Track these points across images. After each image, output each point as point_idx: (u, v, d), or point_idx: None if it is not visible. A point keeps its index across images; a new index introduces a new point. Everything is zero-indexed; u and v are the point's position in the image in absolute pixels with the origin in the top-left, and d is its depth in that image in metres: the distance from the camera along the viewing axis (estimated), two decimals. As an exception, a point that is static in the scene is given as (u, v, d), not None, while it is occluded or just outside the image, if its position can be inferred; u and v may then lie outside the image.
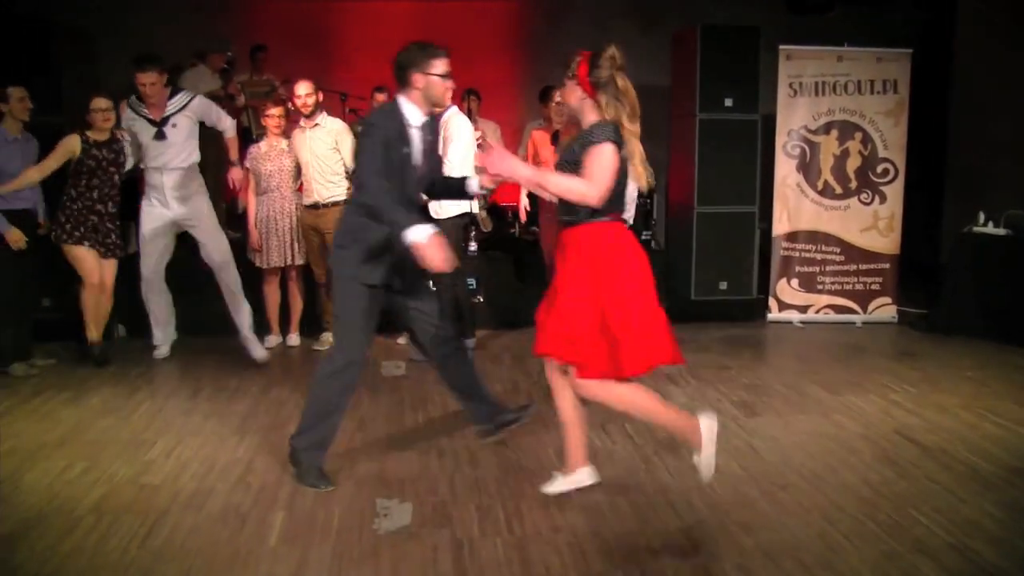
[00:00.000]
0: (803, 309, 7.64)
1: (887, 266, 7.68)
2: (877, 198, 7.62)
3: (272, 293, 6.78)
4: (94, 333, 6.21)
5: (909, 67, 7.56)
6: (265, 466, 4.33)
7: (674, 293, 7.80)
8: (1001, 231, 6.98)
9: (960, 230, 7.33)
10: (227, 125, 6.37)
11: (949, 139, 8.33)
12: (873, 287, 7.67)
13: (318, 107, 6.44)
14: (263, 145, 6.61)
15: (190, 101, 6.13)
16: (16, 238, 5.86)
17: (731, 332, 7.28)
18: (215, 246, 6.26)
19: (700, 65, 7.45)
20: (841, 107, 7.53)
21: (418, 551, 3.43)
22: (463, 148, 6.16)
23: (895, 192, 7.62)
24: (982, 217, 7.14)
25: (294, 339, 6.89)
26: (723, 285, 7.71)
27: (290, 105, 6.60)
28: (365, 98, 8.22)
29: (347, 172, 6.46)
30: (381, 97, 8.16)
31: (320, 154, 6.42)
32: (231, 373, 6.06)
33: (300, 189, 6.61)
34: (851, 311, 7.64)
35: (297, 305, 6.88)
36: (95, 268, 6.03)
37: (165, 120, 6.04)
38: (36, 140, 6.15)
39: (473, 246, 7.60)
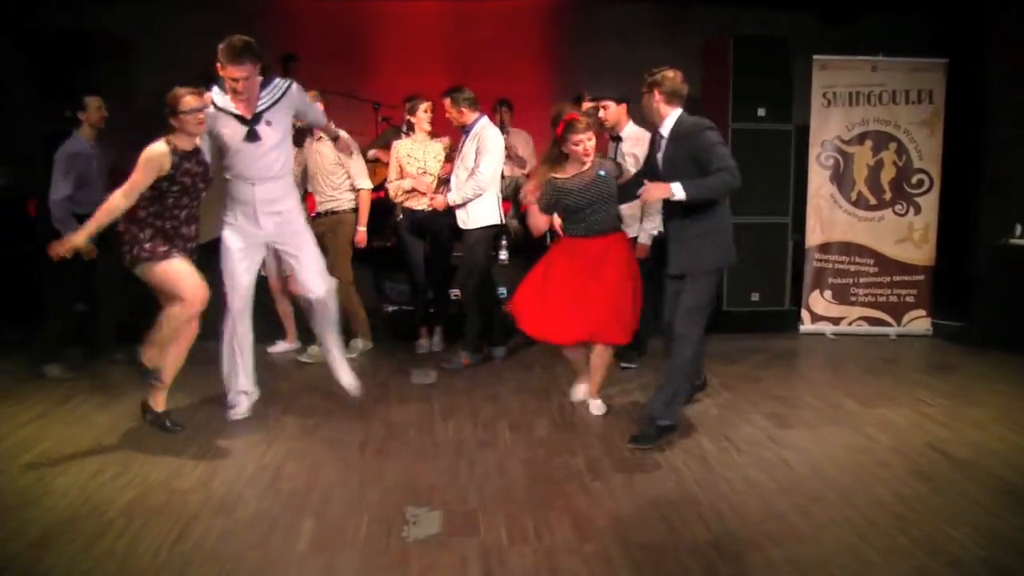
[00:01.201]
0: (836, 321, 7.58)
1: (921, 278, 7.60)
2: (912, 209, 7.54)
3: (281, 301, 6.76)
4: (161, 391, 4.99)
5: (944, 77, 7.48)
6: (294, 472, 4.35)
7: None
8: (1038, 243, 6.89)
9: (996, 242, 7.24)
10: (325, 123, 5.71)
11: (985, 150, 8.22)
12: (907, 299, 7.58)
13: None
14: None
15: (288, 89, 4.99)
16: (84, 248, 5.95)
17: (763, 343, 7.23)
18: (316, 275, 5.15)
19: (733, 75, 7.43)
20: (875, 117, 7.47)
21: (446, 560, 3.43)
22: (496, 160, 6.20)
23: (930, 203, 7.54)
24: (1019, 229, 7.05)
25: (283, 345, 6.88)
26: (755, 296, 7.67)
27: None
28: (398, 106, 8.25)
29: (352, 184, 6.49)
30: (426, 107, 8.10)
31: (325, 166, 6.43)
32: (260, 380, 6.08)
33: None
34: (884, 323, 7.56)
35: (290, 315, 6.83)
36: (199, 284, 4.76)
37: (258, 117, 4.87)
38: (112, 151, 6.29)
39: (503, 255, 7.61)
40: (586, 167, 5.05)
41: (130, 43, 8.10)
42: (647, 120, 5.06)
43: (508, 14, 9.47)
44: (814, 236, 7.57)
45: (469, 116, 6.23)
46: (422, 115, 6.53)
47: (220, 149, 4.95)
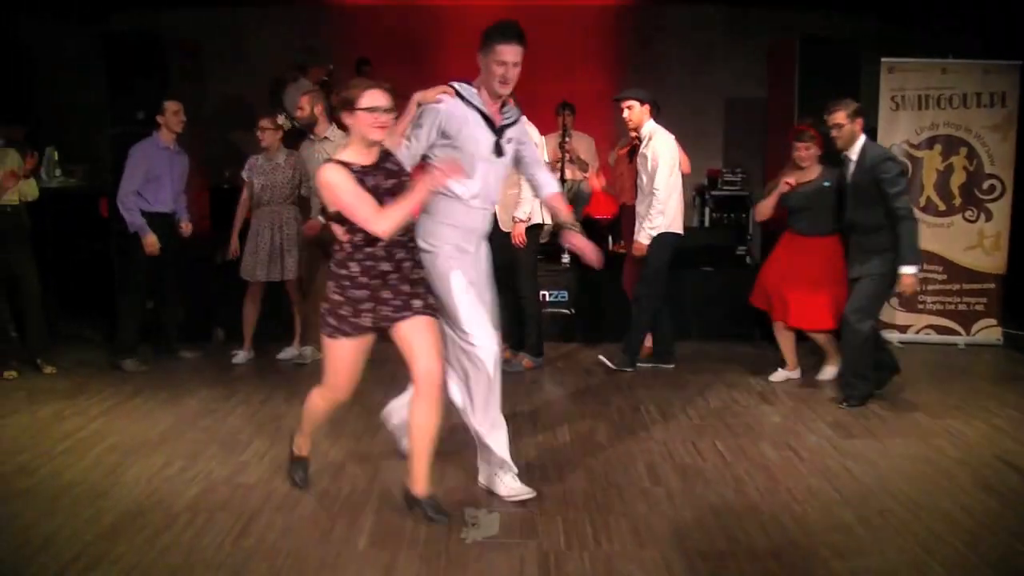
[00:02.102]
0: (903, 329, 7.44)
1: (992, 286, 7.43)
2: (983, 215, 7.38)
3: (252, 308, 6.64)
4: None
5: (1018, 79, 7.31)
6: (355, 471, 4.39)
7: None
8: (1115, 252, 6.70)
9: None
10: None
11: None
12: (977, 307, 7.42)
13: (322, 119, 6.39)
14: (261, 157, 6.53)
15: (519, 118, 4.15)
16: (151, 242, 6.13)
17: (826, 350, 7.12)
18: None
19: (799, 78, 7.34)
20: (945, 121, 7.32)
21: (505, 562, 3.43)
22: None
23: (1002, 209, 7.37)
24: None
25: (291, 351, 6.81)
26: (818, 302, 7.56)
27: (285, 117, 6.61)
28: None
29: None
30: None
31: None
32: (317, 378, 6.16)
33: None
34: (953, 332, 7.40)
35: (299, 317, 6.77)
36: (353, 377, 3.87)
37: (503, 130, 4.00)
38: (187, 157, 6.44)
39: (566, 258, 7.60)
40: (816, 175, 5.94)
41: (201, 48, 8.24)
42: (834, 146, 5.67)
43: (571, 16, 9.46)
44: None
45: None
46: None
47: (449, 155, 3.87)
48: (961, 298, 7.39)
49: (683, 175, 6.34)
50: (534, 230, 6.37)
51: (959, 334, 7.39)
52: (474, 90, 3.95)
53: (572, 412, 5.40)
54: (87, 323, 7.33)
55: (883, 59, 7.40)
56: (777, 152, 7.76)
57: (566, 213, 4.23)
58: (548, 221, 6.45)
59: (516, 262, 6.27)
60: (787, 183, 5.97)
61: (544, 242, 7.31)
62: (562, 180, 6.50)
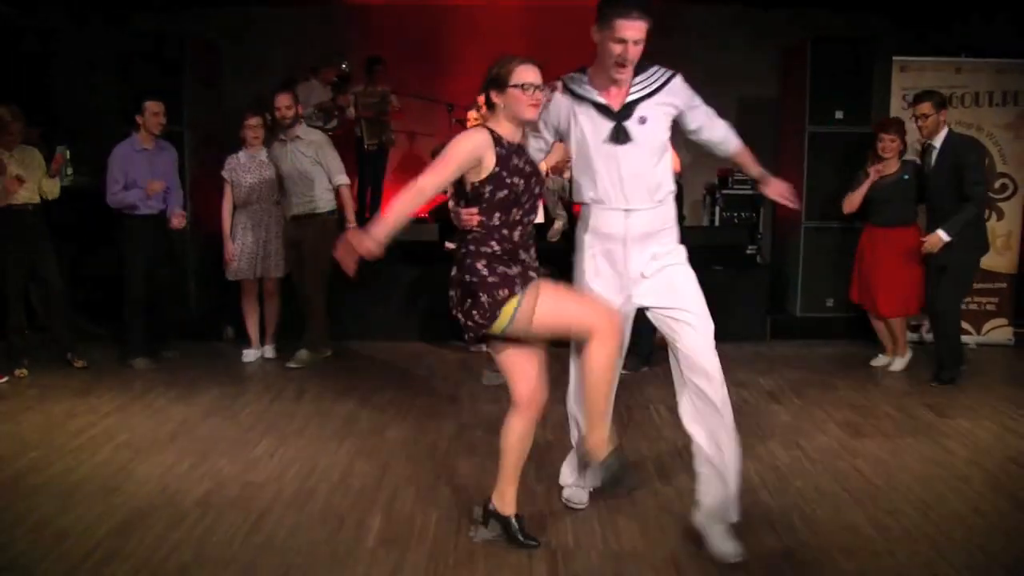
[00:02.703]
0: (914, 328, 7.41)
1: (1004, 286, 7.40)
2: (994, 215, 7.34)
3: (252, 305, 6.67)
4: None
5: (1032, 79, 7.30)
6: (365, 469, 4.40)
7: (779, 309, 7.67)
8: None
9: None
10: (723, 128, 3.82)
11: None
12: (988, 307, 7.39)
13: (298, 119, 6.39)
14: (242, 156, 6.49)
15: (671, 79, 3.56)
16: (153, 187, 6.18)
17: (837, 350, 7.11)
18: (711, 348, 3.54)
19: (811, 78, 7.34)
20: (958, 120, 7.28)
21: (513, 560, 3.43)
22: None
23: (1014, 209, 7.34)
24: (1106, 237, 6.84)
25: (270, 351, 6.77)
26: (830, 302, 7.55)
27: (267, 115, 6.52)
28: (472, 108, 8.30)
29: (331, 184, 6.38)
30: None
31: (301, 167, 6.32)
32: (335, 376, 6.19)
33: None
34: (964, 332, 7.35)
35: (274, 317, 6.75)
36: (536, 381, 3.45)
37: (629, 109, 3.45)
38: (174, 149, 6.45)
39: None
40: (896, 168, 6.23)
41: (217, 49, 8.26)
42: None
43: (588, 14, 9.42)
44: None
45: None
46: None
47: (573, 153, 3.56)
48: (972, 298, 7.35)
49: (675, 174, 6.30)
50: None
51: (970, 334, 7.35)
52: (586, 76, 3.50)
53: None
54: (99, 321, 7.35)
55: (895, 58, 7.39)
56: (789, 151, 7.75)
57: (754, 167, 3.82)
58: (541, 220, 6.39)
59: None
60: (875, 171, 6.28)
61: (555, 241, 7.30)
62: (571, 179, 6.46)
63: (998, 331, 7.40)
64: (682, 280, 3.57)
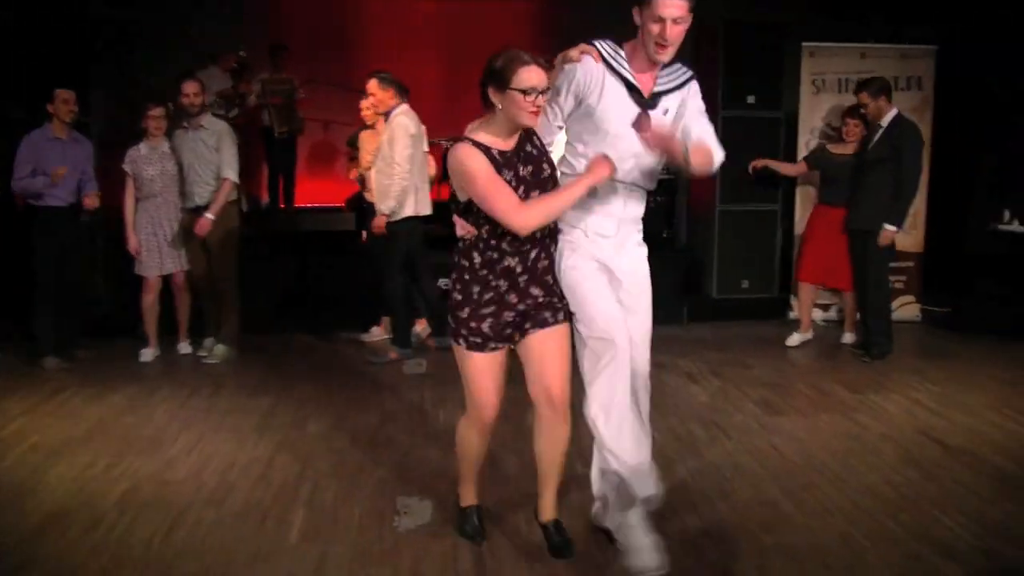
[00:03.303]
0: (825, 307, 7.59)
1: (911, 264, 7.62)
2: (902, 196, 7.54)
3: (153, 304, 6.45)
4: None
5: (934, 64, 7.50)
6: (285, 463, 4.35)
7: (696, 291, 7.79)
8: (1027, 229, 6.93)
9: (985, 228, 7.27)
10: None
11: (974, 136, 8.24)
12: (897, 285, 7.59)
13: (204, 107, 6.32)
14: (143, 147, 6.30)
15: (691, 79, 3.49)
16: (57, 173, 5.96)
17: (753, 330, 7.25)
18: (645, 350, 3.73)
19: (722, 62, 7.44)
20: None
21: (438, 549, 3.43)
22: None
23: (919, 190, 7.53)
24: (1007, 215, 7.07)
25: (185, 347, 6.62)
26: (745, 283, 7.69)
27: (170, 105, 6.41)
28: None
29: (218, 175, 6.26)
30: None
31: (203, 156, 6.23)
32: (252, 370, 6.10)
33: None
34: (874, 309, 7.58)
35: (185, 311, 6.62)
36: (493, 394, 3.39)
37: (655, 99, 3.34)
38: (89, 142, 6.24)
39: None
40: (852, 151, 6.50)
41: (125, 31, 8.03)
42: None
43: (500, 3, 9.44)
44: (803, 223, 7.57)
45: (395, 101, 6.12)
46: None
47: (584, 127, 3.31)
48: (883, 276, 7.56)
49: None
50: (407, 224, 6.20)
51: (881, 312, 7.55)
52: (622, 52, 3.28)
53: (504, 397, 5.38)
54: (10, 320, 7.11)
55: (804, 43, 7.53)
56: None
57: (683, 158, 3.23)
58: (423, 213, 6.30)
59: (380, 252, 6.25)
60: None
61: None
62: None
63: (907, 308, 7.62)
64: (646, 280, 3.63)
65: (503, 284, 3.16)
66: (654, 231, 7.89)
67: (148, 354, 6.42)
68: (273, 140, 8.71)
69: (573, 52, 3.24)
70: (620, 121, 3.24)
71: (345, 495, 3.95)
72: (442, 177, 6.25)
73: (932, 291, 7.76)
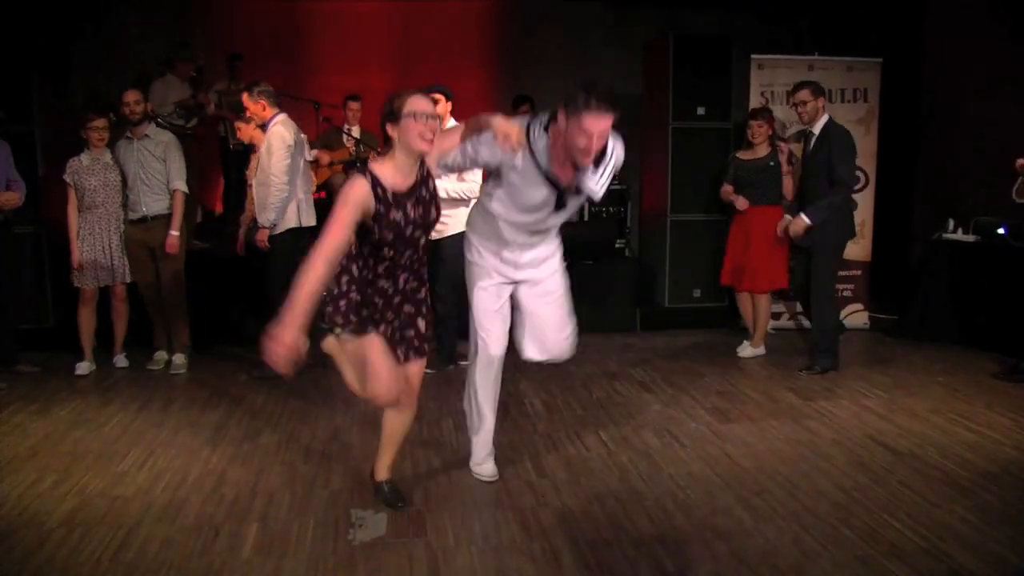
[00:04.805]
0: (776, 316, 7.68)
1: (858, 273, 7.74)
2: (849, 206, 7.67)
3: (89, 316, 6.32)
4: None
5: (879, 76, 7.64)
6: (238, 477, 4.30)
7: (648, 300, 7.84)
8: (971, 237, 7.04)
9: (930, 237, 7.40)
10: None
11: (918, 147, 8.41)
12: (845, 294, 7.72)
13: (146, 116, 6.24)
14: (85, 158, 6.18)
15: (614, 152, 3.71)
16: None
17: (705, 339, 7.31)
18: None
19: (673, 74, 7.51)
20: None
21: (394, 561, 3.41)
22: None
23: (866, 200, 7.68)
24: (952, 224, 7.21)
25: (121, 360, 6.47)
26: (696, 292, 7.75)
27: (112, 115, 6.33)
28: (338, 106, 8.19)
29: (168, 187, 6.21)
30: (355, 106, 8.15)
31: (149, 166, 6.17)
32: (203, 383, 6.02)
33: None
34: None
35: (123, 324, 6.49)
36: (389, 378, 3.57)
37: (574, 185, 3.72)
38: (8, 145, 6.11)
39: None
40: (764, 154, 6.59)
41: (72, 41, 7.90)
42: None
43: (452, 11, 9.44)
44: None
45: (270, 112, 6.10)
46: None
47: (499, 181, 3.75)
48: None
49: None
50: (290, 235, 6.11)
51: (829, 319, 7.66)
52: (546, 140, 3.55)
53: (456, 408, 5.36)
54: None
55: (753, 55, 7.63)
56: (654, 148, 7.91)
57: None
58: (308, 224, 6.22)
59: (268, 266, 6.14)
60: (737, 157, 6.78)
61: None
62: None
63: (855, 316, 7.74)
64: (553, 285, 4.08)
65: (379, 301, 3.52)
66: (606, 241, 7.98)
67: (84, 367, 6.30)
68: (229, 152, 8.62)
69: (501, 134, 3.47)
70: (527, 196, 3.64)
71: (299, 508, 3.91)
72: None
73: (879, 299, 7.89)
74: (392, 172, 3.35)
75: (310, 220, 6.23)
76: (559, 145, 3.50)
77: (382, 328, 3.53)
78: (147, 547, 3.54)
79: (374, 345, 3.50)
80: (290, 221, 6.08)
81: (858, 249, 7.67)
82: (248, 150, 8.13)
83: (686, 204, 7.62)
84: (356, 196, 3.25)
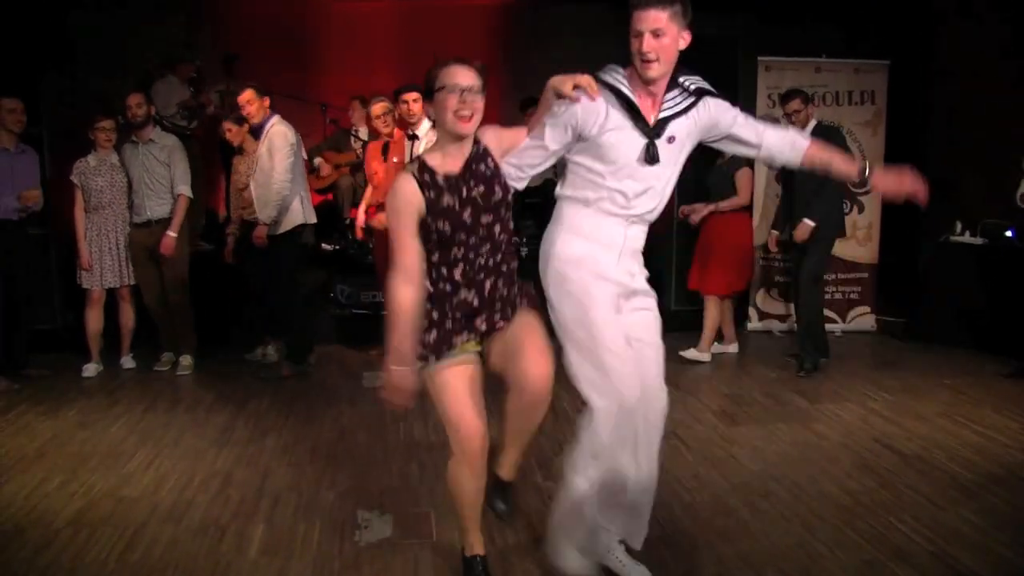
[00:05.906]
0: (783, 318, 7.67)
1: (866, 275, 7.73)
2: (855, 208, 7.67)
3: (97, 318, 6.35)
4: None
5: (886, 78, 7.63)
6: (244, 478, 4.30)
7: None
8: (978, 240, 7.04)
9: (937, 239, 7.39)
10: None
11: (926, 149, 8.39)
12: (852, 296, 7.71)
13: (150, 119, 6.27)
14: (92, 159, 6.24)
15: (702, 97, 3.30)
16: None
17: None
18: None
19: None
20: (819, 118, 7.56)
21: (399, 563, 3.42)
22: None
23: (873, 202, 7.68)
24: (959, 226, 7.20)
25: (128, 361, 6.52)
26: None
27: (120, 118, 6.36)
28: (345, 108, 8.20)
29: (172, 191, 6.26)
30: (358, 106, 8.16)
31: (153, 170, 6.22)
32: (209, 384, 6.04)
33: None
34: (830, 320, 7.64)
35: (130, 325, 6.52)
36: (475, 418, 2.99)
37: (661, 126, 3.08)
38: (36, 153, 6.14)
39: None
40: (724, 159, 6.53)
41: (74, 45, 7.92)
42: None
43: (460, 13, 9.46)
44: (760, 235, 7.65)
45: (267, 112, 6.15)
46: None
47: (590, 154, 3.05)
48: (837, 287, 7.67)
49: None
50: (295, 233, 6.19)
51: (836, 322, 7.65)
52: (623, 72, 3.05)
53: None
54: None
55: (759, 58, 7.63)
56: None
57: (844, 164, 3.37)
58: (312, 221, 6.32)
59: (270, 266, 6.17)
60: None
61: None
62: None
63: (862, 318, 7.73)
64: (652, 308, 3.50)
65: (457, 315, 2.92)
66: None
67: (91, 368, 6.33)
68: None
69: (566, 86, 3.02)
70: (624, 153, 2.99)
71: (305, 509, 3.92)
72: None
73: (886, 301, 7.87)
74: (440, 157, 2.86)
75: (312, 217, 6.31)
76: (633, 74, 3.05)
77: (464, 335, 2.94)
78: (153, 547, 3.55)
79: (447, 377, 2.95)
80: (296, 218, 6.13)
81: (865, 251, 7.67)
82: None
83: (696, 201, 7.60)
84: (402, 198, 2.79)
